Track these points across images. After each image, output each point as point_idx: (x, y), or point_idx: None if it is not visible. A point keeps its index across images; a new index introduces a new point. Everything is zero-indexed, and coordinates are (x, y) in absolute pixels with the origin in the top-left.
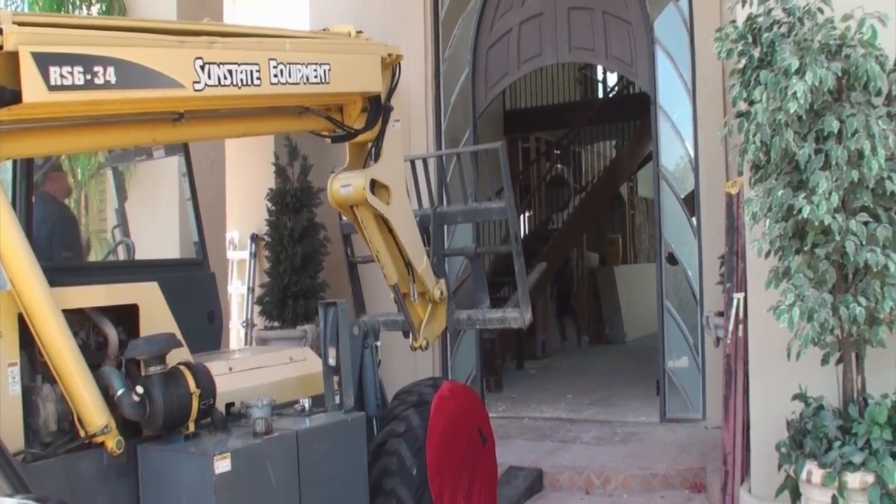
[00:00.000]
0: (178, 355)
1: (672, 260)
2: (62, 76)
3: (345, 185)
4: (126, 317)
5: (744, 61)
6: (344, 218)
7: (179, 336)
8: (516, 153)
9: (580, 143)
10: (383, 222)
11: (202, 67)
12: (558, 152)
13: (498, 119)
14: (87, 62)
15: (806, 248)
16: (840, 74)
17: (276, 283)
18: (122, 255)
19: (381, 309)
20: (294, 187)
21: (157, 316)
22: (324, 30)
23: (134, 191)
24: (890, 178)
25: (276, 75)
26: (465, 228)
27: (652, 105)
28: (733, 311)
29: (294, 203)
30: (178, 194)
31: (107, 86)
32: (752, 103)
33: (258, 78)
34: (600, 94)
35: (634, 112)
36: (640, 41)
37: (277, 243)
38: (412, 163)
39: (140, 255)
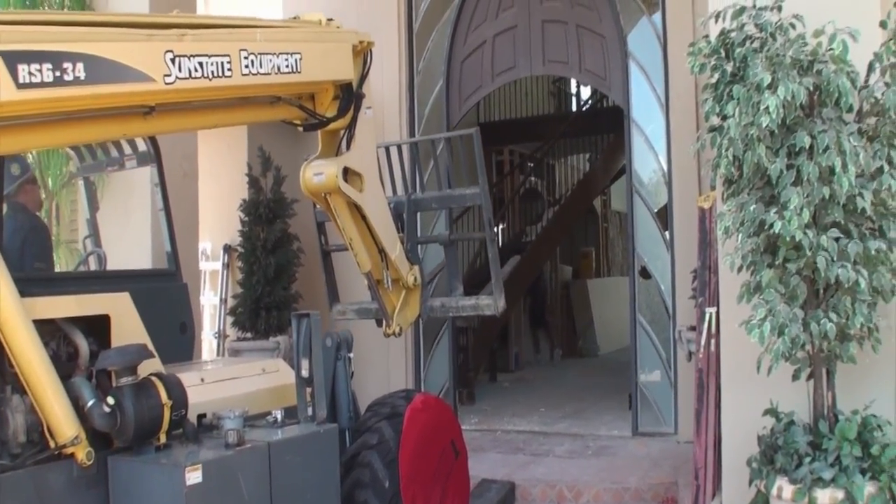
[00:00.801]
0: (150, 366)
1: (645, 274)
2: (31, 74)
3: (317, 173)
4: (97, 327)
5: (717, 76)
6: (318, 206)
7: (151, 347)
8: (490, 165)
9: (554, 156)
10: (356, 209)
11: (172, 60)
12: (532, 165)
13: (473, 126)
14: (55, 59)
15: (777, 263)
16: (812, 90)
17: (249, 293)
18: (93, 266)
19: (354, 297)
20: (267, 198)
21: (128, 327)
22: (294, 18)
23: (106, 201)
24: (861, 194)
25: (247, 66)
26: (441, 225)
27: (625, 119)
28: (705, 325)
29: (267, 214)
30: (151, 205)
31: (76, 82)
32: (724, 118)
33: (229, 69)
34: (574, 108)
35: (608, 125)
36: (614, 55)
37: (250, 254)
38: (387, 150)
39: (112, 265)
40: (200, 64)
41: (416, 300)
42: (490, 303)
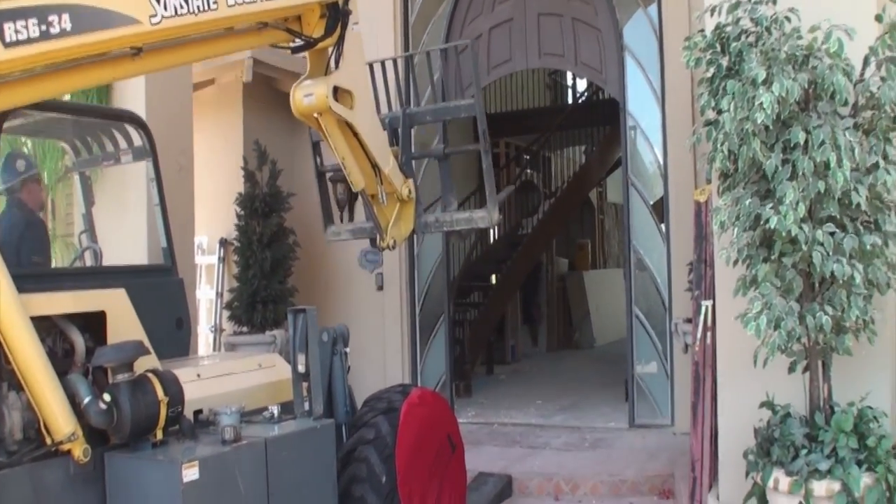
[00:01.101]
0: (146, 362)
1: (641, 266)
2: (17, 31)
3: (307, 94)
4: (93, 324)
5: (712, 70)
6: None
7: (147, 343)
8: None
9: (550, 149)
10: (348, 127)
11: (157, 0)
12: (528, 157)
13: (469, 123)
14: (40, 13)
15: (773, 258)
16: (807, 85)
17: (245, 288)
18: (89, 262)
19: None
20: (263, 192)
21: (124, 323)
22: None
23: (101, 196)
24: (856, 189)
25: None
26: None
27: (621, 111)
28: (701, 318)
29: (263, 208)
30: (147, 199)
31: (63, 34)
32: (720, 112)
33: (214, 2)
34: (570, 100)
35: (604, 118)
36: (610, 48)
37: (246, 248)
38: (382, 66)
39: (108, 260)
40: (185, 0)
41: (409, 214)
42: (484, 215)
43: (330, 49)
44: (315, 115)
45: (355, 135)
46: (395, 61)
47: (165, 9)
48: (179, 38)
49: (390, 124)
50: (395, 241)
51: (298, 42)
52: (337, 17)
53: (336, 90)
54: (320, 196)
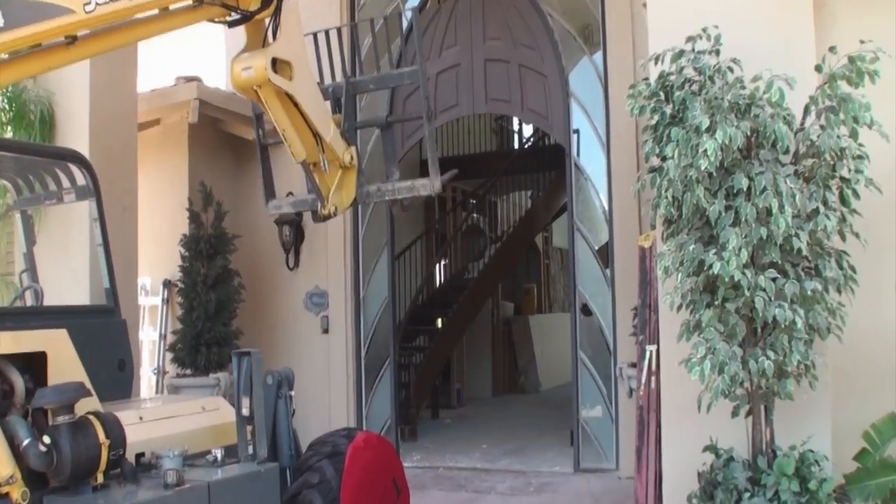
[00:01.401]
0: (88, 404)
1: (586, 311)
2: None
3: (245, 67)
4: (34, 364)
5: (656, 118)
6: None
7: (88, 385)
8: (433, 202)
9: (496, 193)
10: (288, 98)
11: None
12: (474, 202)
13: (414, 168)
14: None
15: (716, 303)
16: (749, 133)
17: (189, 329)
18: (30, 301)
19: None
20: (208, 233)
21: (65, 364)
22: None
23: (43, 235)
24: (797, 235)
25: None
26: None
27: (567, 157)
28: (646, 362)
29: (208, 249)
30: (90, 239)
31: None
32: (664, 159)
33: None
34: (516, 145)
35: (550, 163)
36: (556, 94)
37: (191, 289)
38: (326, 35)
39: (49, 300)
40: None
41: (351, 182)
42: (426, 183)
43: (267, 20)
44: (254, 87)
45: (295, 105)
46: (338, 30)
47: None
48: (115, 23)
49: (334, 94)
50: (336, 208)
51: (235, 16)
52: None
53: (275, 61)
54: (262, 170)
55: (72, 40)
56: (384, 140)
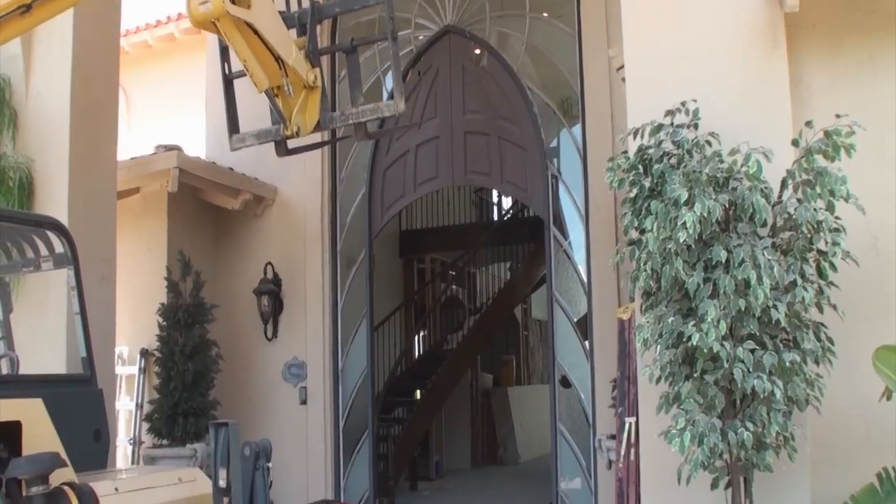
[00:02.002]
0: (63, 475)
1: (565, 382)
2: None
3: (202, 1)
4: (8, 434)
5: (635, 191)
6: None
7: (64, 455)
8: (412, 274)
9: (475, 265)
10: (248, 27)
11: None
12: (453, 273)
13: (394, 239)
14: None
15: (696, 374)
16: (727, 206)
17: (166, 399)
18: (5, 370)
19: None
20: (186, 303)
21: (40, 433)
22: None
23: (19, 303)
24: (775, 307)
25: None
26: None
27: (546, 229)
28: (625, 434)
29: (186, 318)
30: (67, 307)
31: None
32: (643, 232)
33: None
34: (495, 217)
35: (529, 235)
36: (535, 167)
37: (168, 359)
38: None
39: (25, 369)
40: None
41: (315, 103)
42: (391, 104)
43: None
44: (213, 21)
45: (256, 33)
46: None
47: None
48: None
49: (300, 19)
50: (299, 128)
51: None
52: None
53: None
54: (226, 104)
55: (26, 9)
56: (349, 65)
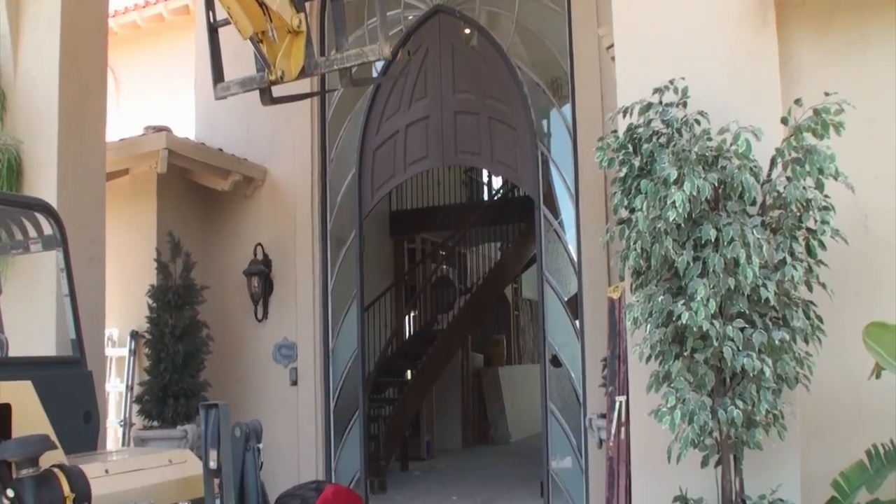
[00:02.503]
0: (52, 457)
1: (556, 362)
2: None
3: None
4: None
5: (625, 170)
6: None
7: (54, 437)
8: (402, 254)
9: (466, 245)
10: None
11: None
12: (444, 253)
13: (384, 220)
14: None
15: (686, 353)
16: (717, 184)
17: (157, 381)
18: None
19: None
20: (176, 284)
21: (30, 416)
22: None
23: (9, 285)
24: (764, 285)
25: None
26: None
27: (536, 209)
28: (616, 413)
29: (176, 300)
30: (56, 289)
31: None
32: (633, 211)
33: None
34: (486, 197)
35: (519, 215)
36: (525, 146)
37: (158, 341)
38: None
39: (15, 352)
40: None
41: (300, 48)
42: (375, 48)
43: None
44: None
45: None
46: None
47: None
48: None
49: None
50: (283, 73)
51: None
52: None
53: None
54: (210, 52)
55: None
56: (333, 11)
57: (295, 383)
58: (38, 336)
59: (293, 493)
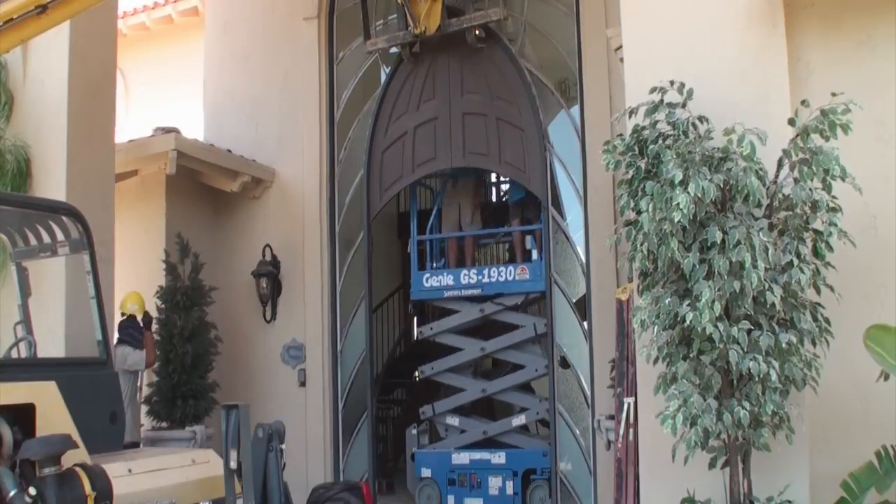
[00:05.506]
0: (75, 456)
1: (564, 363)
2: None
3: None
4: (22, 416)
5: (631, 172)
6: None
7: (77, 437)
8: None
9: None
10: None
11: None
12: None
13: (392, 221)
14: None
15: (692, 355)
16: (722, 186)
17: (165, 382)
18: (23, 353)
19: None
20: (185, 285)
21: (54, 416)
22: None
23: (37, 287)
24: (770, 289)
25: None
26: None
27: (544, 210)
28: (624, 415)
29: (185, 301)
30: (65, 292)
31: None
32: (639, 212)
33: None
34: (493, 198)
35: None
36: (533, 148)
37: (167, 342)
38: None
39: (43, 352)
40: None
41: (437, 10)
42: (496, 10)
43: None
44: None
45: None
46: None
47: None
48: None
49: None
50: (426, 28)
51: None
52: None
53: None
54: (361, 10)
55: (42, 9)
56: None
57: (303, 384)
58: (46, 338)
59: (334, 498)
